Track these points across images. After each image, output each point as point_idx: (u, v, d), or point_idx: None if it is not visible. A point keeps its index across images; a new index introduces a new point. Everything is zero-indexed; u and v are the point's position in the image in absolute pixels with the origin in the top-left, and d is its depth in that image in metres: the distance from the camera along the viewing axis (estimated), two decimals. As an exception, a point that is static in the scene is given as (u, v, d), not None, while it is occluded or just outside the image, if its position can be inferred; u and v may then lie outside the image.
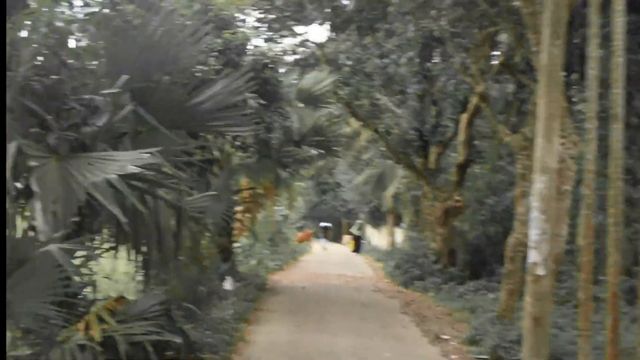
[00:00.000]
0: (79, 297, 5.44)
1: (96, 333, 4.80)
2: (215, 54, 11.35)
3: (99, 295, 6.01)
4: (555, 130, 8.48)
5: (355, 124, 25.70)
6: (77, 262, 4.81)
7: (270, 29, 19.53)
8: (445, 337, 10.94)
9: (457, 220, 18.53)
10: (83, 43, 6.08)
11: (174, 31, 5.94)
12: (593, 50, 7.74)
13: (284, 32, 19.99)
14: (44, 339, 4.10)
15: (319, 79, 14.88)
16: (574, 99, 13.38)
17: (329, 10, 18.32)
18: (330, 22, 19.53)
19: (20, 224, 4.03)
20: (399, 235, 33.21)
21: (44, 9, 5.85)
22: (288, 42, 20.66)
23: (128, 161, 4.55)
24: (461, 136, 17.74)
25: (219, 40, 11.86)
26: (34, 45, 5.33)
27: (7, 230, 3.74)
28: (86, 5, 8.30)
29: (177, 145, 5.97)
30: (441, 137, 19.95)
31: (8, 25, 5.14)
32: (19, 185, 4.90)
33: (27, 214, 4.74)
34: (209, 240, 9.11)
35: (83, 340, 4.71)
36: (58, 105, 5.14)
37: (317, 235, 48.60)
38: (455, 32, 14.58)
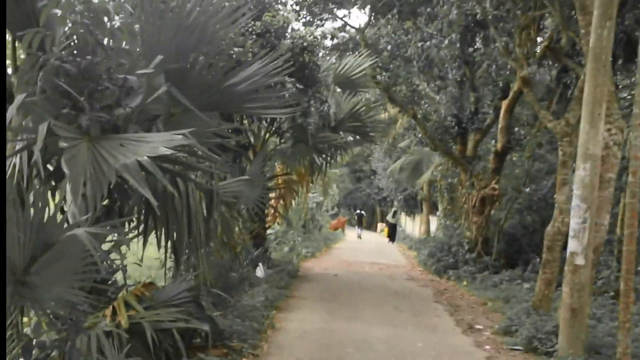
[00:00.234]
0: (109, 282, 5.38)
1: (123, 319, 4.74)
2: (254, 36, 11.26)
3: (130, 281, 5.97)
4: (601, 116, 8.23)
5: (392, 110, 25.52)
6: (106, 246, 4.75)
7: (310, 12, 19.40)
8: (479, 327, 10.77)
9: (493, 208, 18.25)
10: (119, 22, 6.00)
11: (212, 12, 5.81)
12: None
13: (324, 15, 19.85)
14: (70, 325, 4.03)
15: (358, 63, 14.67)
16: (619, 85, 13.03)
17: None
18: (371, 6, 19.33)
19: (50, 208, 3.94)
20: (434, 223, 32.93)
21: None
22: (328, 26, 20.54)
23: (160, 143, 4.43)
24: (500, 123, 17.41)
25: (258, 23, 11.76)
26: (69, 25, 5.25)
27: (34, 214, 3.66)
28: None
29: (211, 127, 5.85)
30: (480, 124, 19.61)
31: (42, 2, 5.07)
32: (50, 167, 4.88)
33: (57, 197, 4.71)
34: (241, 226, 9.04)
35: (110, 327, 4.65)
36: (92, 86, 5.04)
37: (351, 223, 48.53)
38: (499, 16, 14.29)
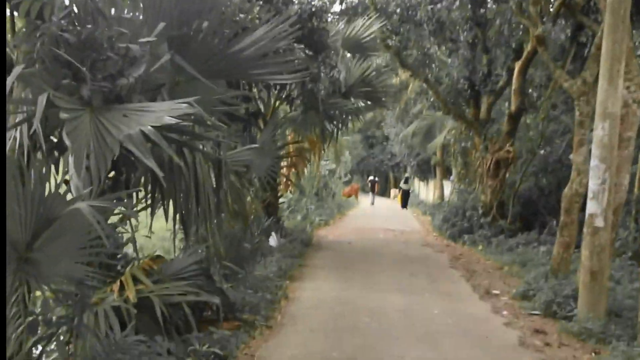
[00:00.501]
0: (118, 257, 5.28)
1: (131, 294, 4.64)
2: (261, 3, 11.03)
3: (141, 255, 5.87)
4: (620, 73, 8.02)
5: (404, 75, 25.20)
6: (113, 219, 4.64)
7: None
8: (496, 292, 10.69)
9: (508, 171, 18.05)
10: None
11: (214, -25, 5.62)
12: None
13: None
14: (76, 301, 3.93)
15: (366, 25, 14.39)
16: (636, 42, 12.72)
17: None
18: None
19: (52, 182, 3.83)
20: (447, 188, 32.76)
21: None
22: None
23: (164, 112, 4.28)
24: (514, 85, 17.11)
25: (266, -11, 11.52)
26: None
27: (35, 188, 3.52)
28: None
29: (217, 95, 5.69)
30: (493, 86, 19.31)
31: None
32: (53, 139, 4.75)
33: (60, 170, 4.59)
34: (253, 195, 8.92)
35: (117, 302, 4.55)
36: (94, 56, 4.88)
37: (365, 190, 48.47)
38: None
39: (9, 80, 4.06)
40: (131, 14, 5.61)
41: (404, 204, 36.37)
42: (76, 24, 4.98)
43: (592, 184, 8.32)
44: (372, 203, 39.92)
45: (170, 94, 5.31)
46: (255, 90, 12.30)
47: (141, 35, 5.24)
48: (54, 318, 4.08)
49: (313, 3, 12.42)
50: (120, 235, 5.56)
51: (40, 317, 3.88)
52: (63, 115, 4.02)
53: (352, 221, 26.11)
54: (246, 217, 7.47)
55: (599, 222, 8.28)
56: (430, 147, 31.86)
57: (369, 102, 15.37)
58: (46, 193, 3.57)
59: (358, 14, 18.66)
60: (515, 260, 13.43)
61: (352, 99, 14.50)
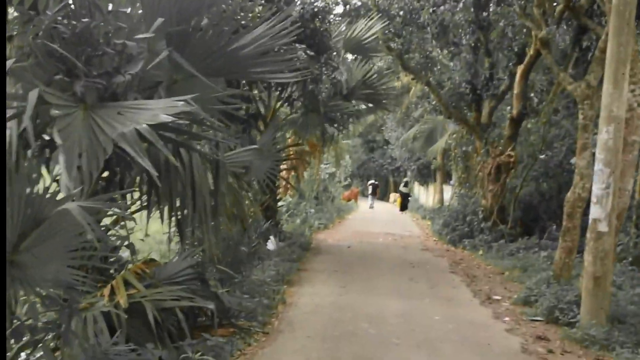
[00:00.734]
0: (112, 260, 5.12)
1: (122, 299, 4.48)
2: (262, 2, 10.92)
3: (136, 258, 5.71)
4: (625, 76, 7.91)
5: (405, 77, 25.11)
6: (107, 221, 4.50)
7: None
8: (497, 297, 10.55)
9: (509, 176, 17.94)
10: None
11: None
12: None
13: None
14: (63, 306, 3.77)
15: (368, 26, 14.29)
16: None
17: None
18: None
19: (44, 181, 3.68)
20: (447, 192, 32.64)
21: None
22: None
23: (160, 110, 4.15)
24: (516, 89, 17.00)
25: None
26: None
27: (25, 187, 3.38)
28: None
29: (216, 93, 5.56)
30: (495, 90, 19.20)
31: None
32: (46, 137, 4.61)
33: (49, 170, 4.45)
34: (251, 198, 8.77)
35: (108, 307, 4.40)
36: (89, 52, 4.74)
37: (364, 194, 48.34)
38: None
39: (-1, 74, 3.92)
40: (129, 8, 5.49)
41: (403, 207, 36.22)
42: (71, 17, 4.84)
43: (596, 189, 8.19)
44: (372, 206, 39.76)
45: (168, 92, 5.20)
46: (255, 91, 12.20)
47: (139, 31, 5.14)
48: (39, 324, 3.93)
49: (315, 4, 12.31)
50: (114, 237, 5.40)
51: (26, 323, 3.73)
52: (54, 112, 3.89)
53: (351, 225, 25.97)
54: (244, 220, 7.31)
55: (603, 227, 8.15)
56: (431, 151, 31.77)
57: (370, 105, 15.26)
58: (34, 193, 3.42)
59: (360, 15, 18.57)
60: (516, 265, 13.31)
61: (353, 102, 14.39)
